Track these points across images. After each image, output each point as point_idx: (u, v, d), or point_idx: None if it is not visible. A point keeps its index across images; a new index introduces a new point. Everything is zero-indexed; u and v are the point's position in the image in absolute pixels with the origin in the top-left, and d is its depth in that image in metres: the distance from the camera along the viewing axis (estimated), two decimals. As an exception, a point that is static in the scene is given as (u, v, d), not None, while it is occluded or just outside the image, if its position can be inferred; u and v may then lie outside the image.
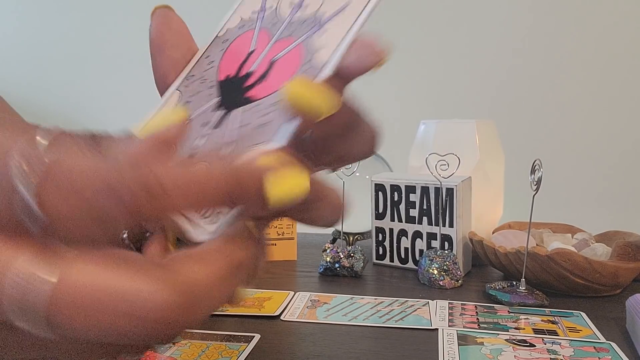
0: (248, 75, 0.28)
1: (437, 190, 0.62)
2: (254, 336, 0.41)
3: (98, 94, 1.36)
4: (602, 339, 0.44)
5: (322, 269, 0.62)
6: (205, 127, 0.27)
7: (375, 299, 0.53)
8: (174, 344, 0.40)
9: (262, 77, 0.27)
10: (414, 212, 0.64)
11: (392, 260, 0.66)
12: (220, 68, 0.29)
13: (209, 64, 0.29)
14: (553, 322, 0.47)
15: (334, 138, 0.26)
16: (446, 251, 0.60)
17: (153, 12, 0.27)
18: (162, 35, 0.28)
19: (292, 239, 0.69)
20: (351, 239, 0.74)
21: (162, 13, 0.27)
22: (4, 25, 1.46)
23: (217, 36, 0.30)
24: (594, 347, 0.42)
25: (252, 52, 0.28)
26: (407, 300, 0.52)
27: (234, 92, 0.28)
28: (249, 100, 0.27)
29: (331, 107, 0.23)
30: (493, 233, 0.67)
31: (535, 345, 0.42)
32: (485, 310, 0.50)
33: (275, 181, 0.20)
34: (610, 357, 0.40)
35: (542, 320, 0.48)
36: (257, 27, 0.29)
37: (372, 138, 0.26)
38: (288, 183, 0.21)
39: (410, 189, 0.64)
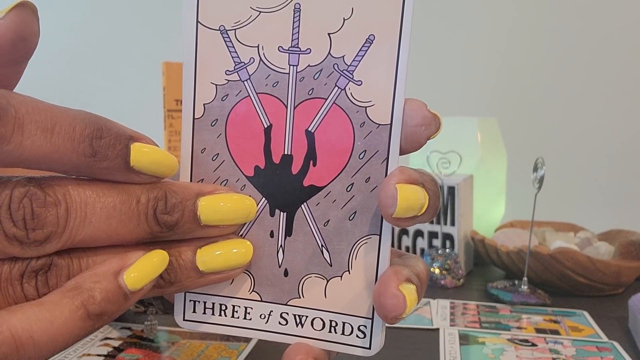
0: (287, 160, 0.22)
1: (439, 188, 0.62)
2: (253, 336, 0.41)
3: (96, 95, 1.36)
4: (605, 339, 0.43)
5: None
6: (274, 237, 0.23)
7: (376, 298, 0.53)
8: (173, 343, 0.40)
9: (310, 157, 0.22)
10: (415, 211, 0.64)
11: (393, 259, 0.66)
12: (237, 159, 0.23)
13: (214, 159, 0.23)
14: (555, 322, 0.47)
15: None
16: (447, 250, 0.60)
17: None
18: None
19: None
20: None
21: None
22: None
23: (194, 119, 0.23)
24: (597, 347, 0.41)
25: (269, 127, 0.22)
26: (408, 300, 0.52)
27: (282, 186, 0.23)
28: (310, 191, 0.22)
29: (428, 200, 0.22)
30: (495, 232, 0.66)
31: (537, 345, 0.41)
32: (487, 309, 0.50)
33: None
34: (612, 356, 0.40)
35: (544, 320, 0.47)
36: (251, 92, 0.22)
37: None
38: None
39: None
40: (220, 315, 0.24)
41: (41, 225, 0.18)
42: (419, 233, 0.64)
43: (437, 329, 0.44)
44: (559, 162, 1.04)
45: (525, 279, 0.53)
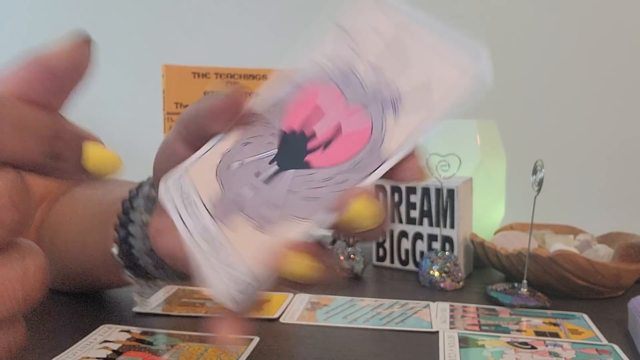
0: (312, 136, 0.27)
1: (438, 191, 0.62)
2: (252, 339, 0.41)
3: (95, 97, 1.36)
4: (604, 341, 0.43)
5: (322, 271, 0.62)
6: (257, 178, 0.27)
7: (376, 301, 0.53)
8: (172, 346, 0.40)
9: (326, 144, 0.26)
10: (415, 214, 0.64)
11: (392, 262, 0.66)
12: (285, 117, 0.27)
13: (275, 105, 0.28)
14: (555, 324, 0.47)
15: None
16: (447, 253, 0.60)
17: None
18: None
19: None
20: (351, 240, 0.74)
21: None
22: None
23: (287, 74, 0.28)
24: (596, 349, 0.41)
25: (320, 107, 0.27)
26: (407, 302, 0.52)
27: (293, 150, 0.27)
28: (305, 165, 0.26)
29: (377, 222, 0.24)
30: (494, 234, 0.66)
31: (536, 348, 0.41)
32: (486, 312, 0.50)
33: None
34: (612, 359, 0.40)
35: (543, 322, 0.47)
36: (329, 79, 0.27)
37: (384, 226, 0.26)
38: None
39: (411, 190, 0.64)
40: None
41: None
42: (418, 236, 0.64)
43: (437, 332, 0.44)
44: (558, 165, 1.04)
45: (524, 281, 0.53)
